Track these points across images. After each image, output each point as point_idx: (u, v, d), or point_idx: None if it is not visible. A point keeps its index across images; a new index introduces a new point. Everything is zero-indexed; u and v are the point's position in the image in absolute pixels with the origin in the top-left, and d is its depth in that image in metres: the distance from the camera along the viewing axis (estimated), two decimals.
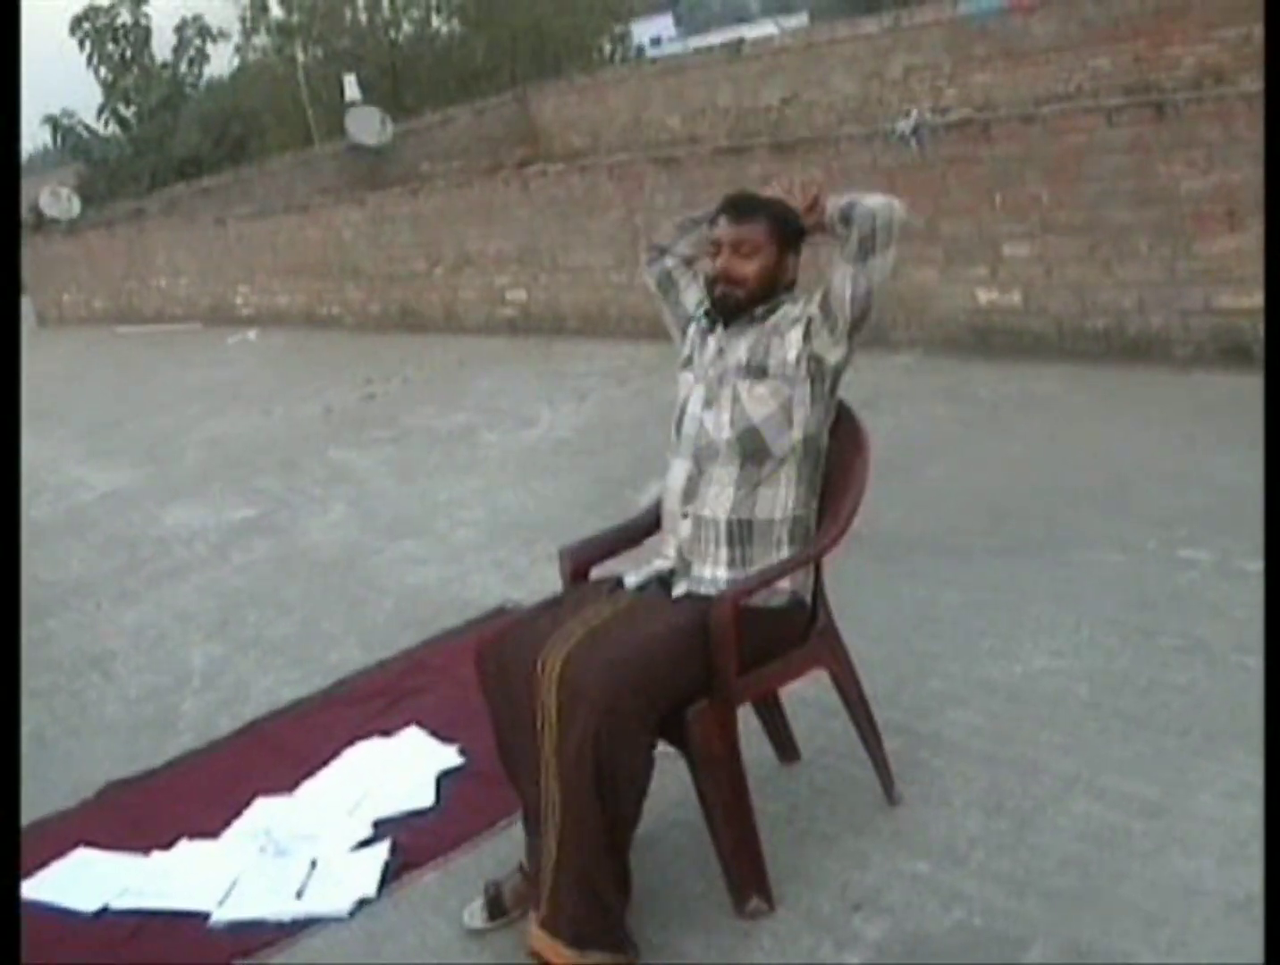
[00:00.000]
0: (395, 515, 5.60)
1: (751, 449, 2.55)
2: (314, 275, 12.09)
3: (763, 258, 2.61)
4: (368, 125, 16.25)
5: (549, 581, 4.03)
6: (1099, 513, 4.14)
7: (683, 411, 2.69)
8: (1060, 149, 5.96)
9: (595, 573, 2.79)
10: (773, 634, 2.52)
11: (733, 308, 2.64)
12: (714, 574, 2.56)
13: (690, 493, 2.60)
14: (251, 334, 12.31)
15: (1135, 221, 5.72)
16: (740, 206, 2.66)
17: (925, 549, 4.11)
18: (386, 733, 3.47)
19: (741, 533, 2.54)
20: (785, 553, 2.56)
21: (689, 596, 2.53)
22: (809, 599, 2.63)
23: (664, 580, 2.62)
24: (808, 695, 2.98)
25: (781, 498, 2.56)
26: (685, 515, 2.59)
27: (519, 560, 4.71)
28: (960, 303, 6.54)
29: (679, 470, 2.64)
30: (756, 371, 2.59)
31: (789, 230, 2.64)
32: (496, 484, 5.80)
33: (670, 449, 2.71)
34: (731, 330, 2.67)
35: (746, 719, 2.65)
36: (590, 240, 8.97)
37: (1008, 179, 6.20)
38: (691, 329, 2.80)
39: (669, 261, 2.87)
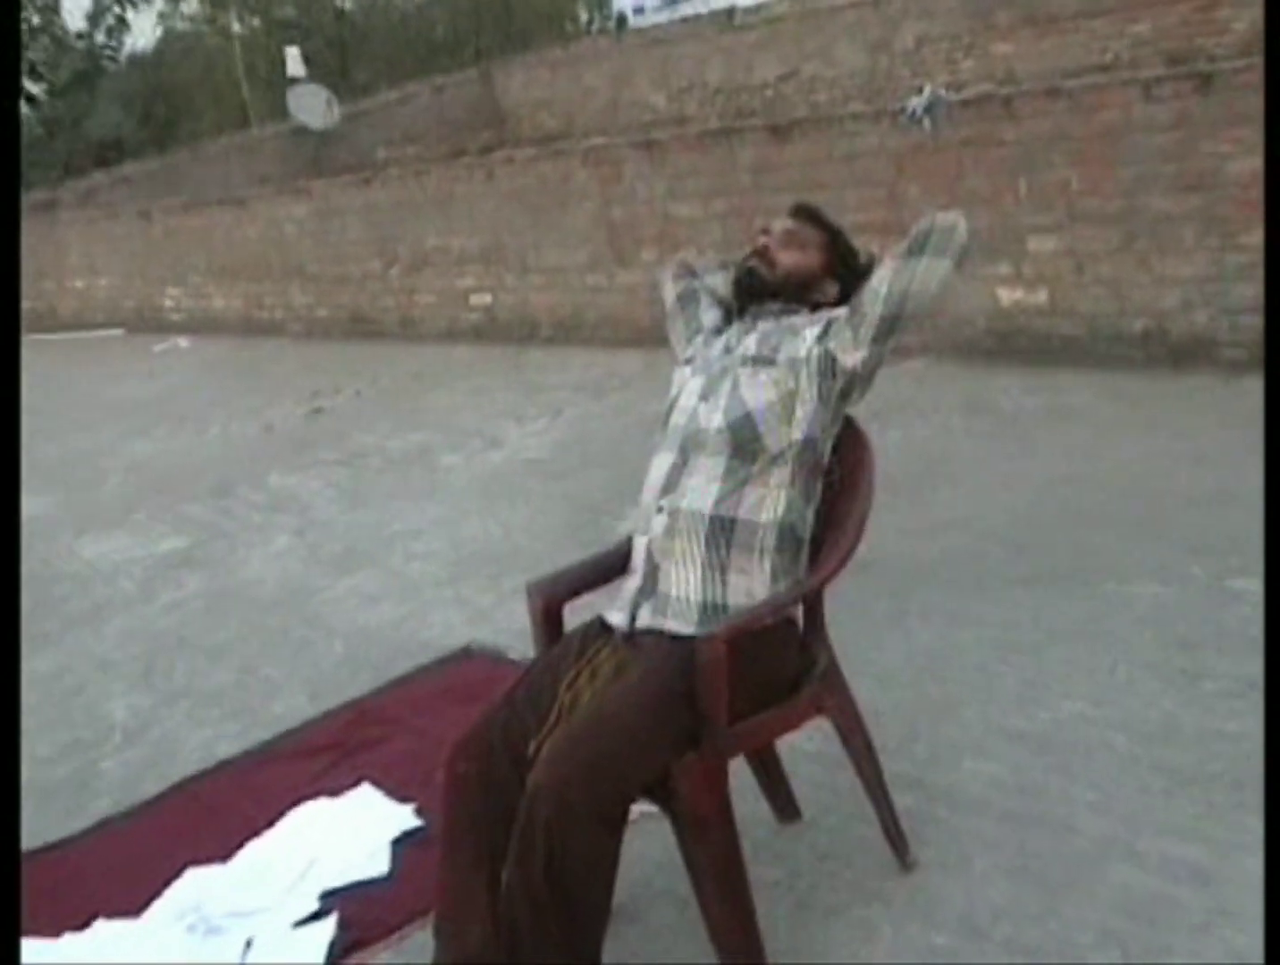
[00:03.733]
0: (344, 547, 5.61)
1: (743, 439, 2.57)
2: (252, 276, 12.12)
3: (806, 257, 2.79)
4: (312, 105, 16.30)
5: (517, 619, 4.04)
6: (1136, 538, 4.17)
7: (673, 405, 2.74)
8: (1092, 128, 6.02)
9: (569, 609, 2.79)
10: (765, 663, 2.52)
11: (755, 288, 2.77)
12: (684, 585, 2.53)
13: (670, 484, 2.61)
14: (182, 342, 12.32)
15: (1177, 209, 5.78)
16: (806, 211, 2.89)
17: (939, 580, 4.13)
18: (335, 792, 3.46)
19: (722, 531, 2.54)
20: (768, 564, 2.55)
21: (662, 635, 2.52)
22: (799, 620, 2.65)
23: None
24: (808, 747, 2.99)
25: (771, 501, 2.57)
26: (661, 509, 2.61)
27: (483, 597, 4.71)
28: (979, 303, 6.58)
29: (661, 463, 2.67)
30: (762, 361, 2.65)
31: (844, 258, 2.84)
32: (458, 511, 5.81)
33: (655, 447, 2.74)
34: (744, 324, 2.77)
35: (738, 773, 2.66)
36: (564, 236, 9.02)
37: (1033, 163, 6.26)
38: (700, 337, 2.91)
39: (697, 284, 3.04)
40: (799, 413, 2.59)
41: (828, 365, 2.61)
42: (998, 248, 6.46)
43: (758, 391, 2.60)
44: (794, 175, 7.42)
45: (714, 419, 2.61)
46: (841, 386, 2.62)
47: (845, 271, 2.83)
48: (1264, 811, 2.05)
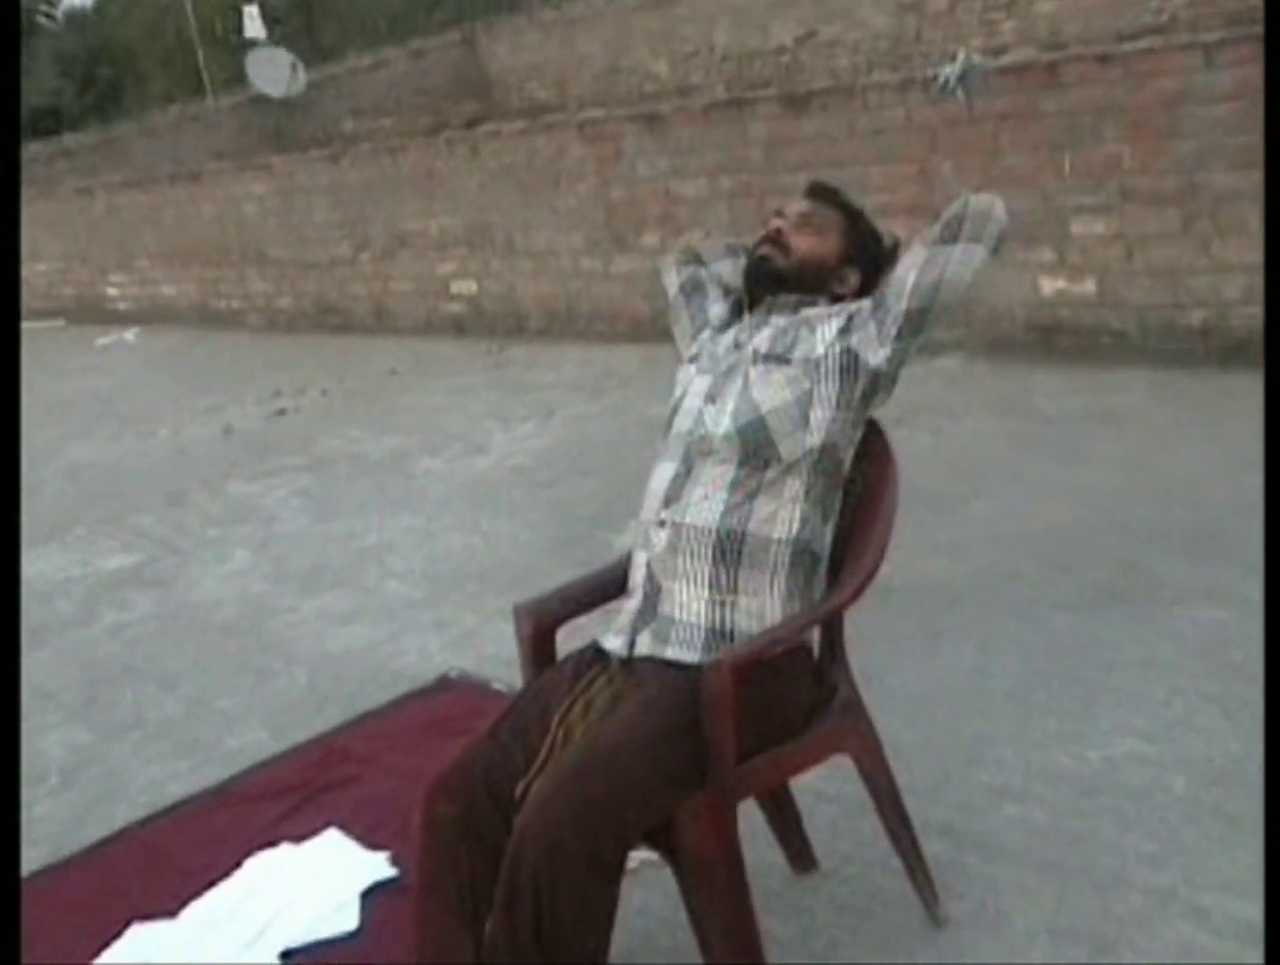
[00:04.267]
0: (311, 563, 5.62)
1: (754, 446, 2.57)
2: (207, 261, 12.15)
3: (823, 242, 2.79)
4: (274, 71, 16.34)
5: (503, 645, 4.05)
6: (1193, 557, 4.18)
7: (676, 408, 2.75)
8: (1146, 97, 6.04)
9: (561, 634, 2.80)
10: (778, 694, 2.52)
11: (767, 277, 2.77)
12: (689, 607, 2.54)
13: (673, 495, 2.62)
14: (129, 334, 12.34)
15: (1241, 187, 5.79)
16: (824, 190, 2.90)
17: (973, 602, 4.15)
18: (299, 838, 3.47)
19: (731, 547, 2.55)
20: (781, 585, 2.56)
21: (663, 663, 2.53)
22: (815, 647, 2.66)
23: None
24: (826, 788, 3.00)
25: (784, 514, 2.57)
26: (663, 523, 2.61)
27: (466, 619, 4.73)
28: (1018, 294, 6.60)
29: (664, 472, 2.68)
30: (775, 359, 2.65)
31: (867, 244, 2.84)
32: (438, 523, 5.83)
33: (657, 455, 2.75)
34: (756, 317, 2.78)
35: (749, 816, 2.66)
36: (556, 218, 9.05)
37: (1079, 136, 6.28)
38: (706, 332, 2.91)
39: (704, 272, 3.04)
40: (816, 416, 2.59)
41: (849, 363, 2.61)
42: (1039, 232, 6.48)
43: (770, 393, 2.60)
44: (811, 151, 7.44)
45: (722, 423, 2.61)
46: (864, 387, 2.63)
47: (868, 259, 2.84)
48: (1264, 810, 2.05)
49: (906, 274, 2.60)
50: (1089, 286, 6.42)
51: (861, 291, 2.79)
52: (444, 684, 4.25)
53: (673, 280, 3.07)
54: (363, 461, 7.01)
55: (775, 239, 2.80)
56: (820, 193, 2.90)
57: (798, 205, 2.86)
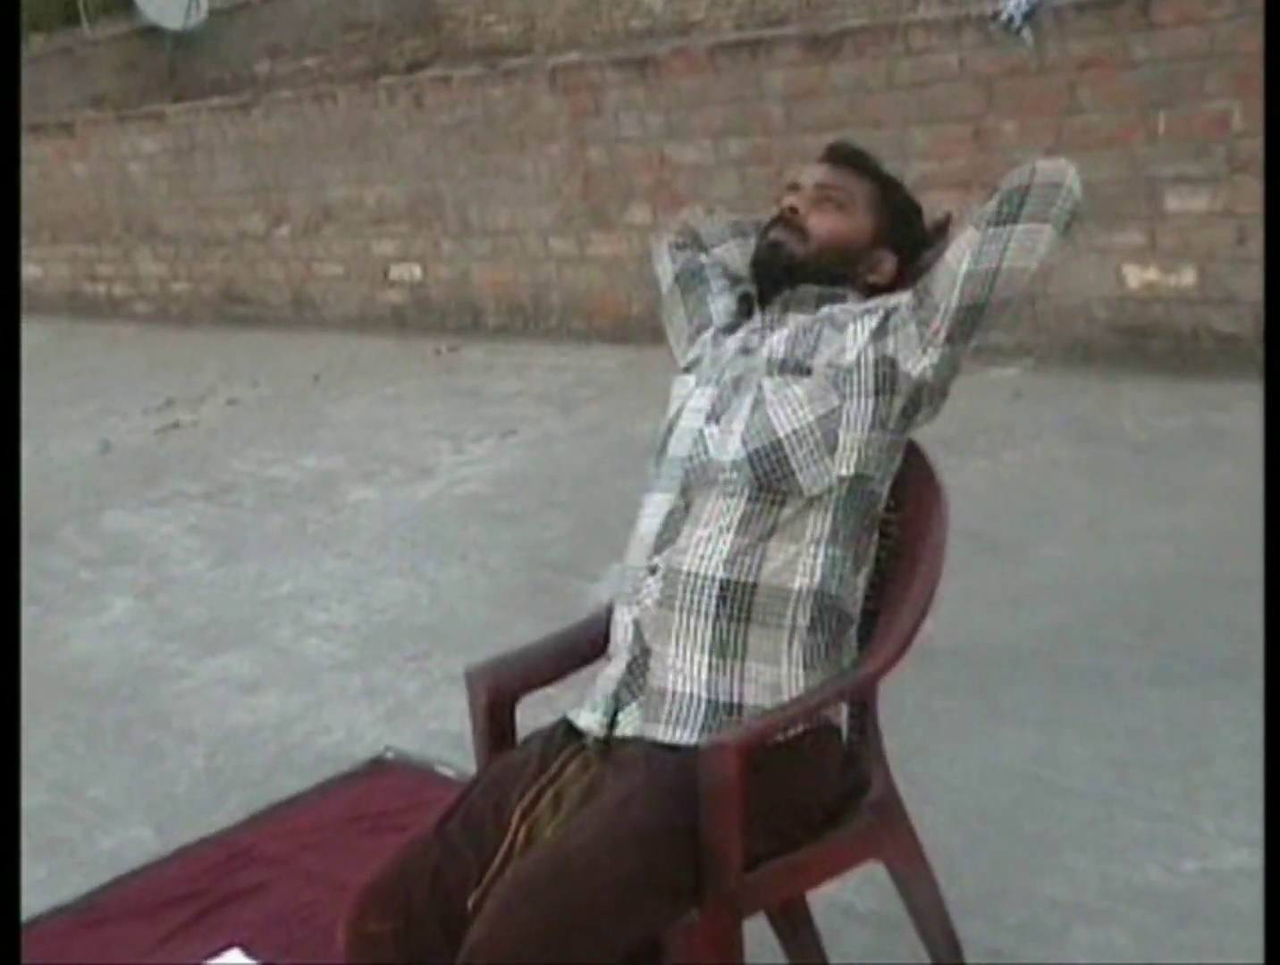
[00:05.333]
0: (210, 615, 5.62)
1: (768, 476, 2.57)
2: (82, 235, 12.16)
3: (848, 220, 2.80)
4: None
5: (451, 719, 4.06)
6: None
7: (671, 427, 2.75)
8: (1261, 42, 6.07)
9: (524, 706, 2.81)
10: (796, 785, 2.52)
11: (779, 267, 2.78)
12: (686, 676, 2.54)
13: (667, 536, 2.62)
14: None
15: None
16: (848, 153, 2.90)
17: (1038, 671, 4.16)
18: (193, 962, 3.46)
19: (739, 602, 2.55)
20: (800, 648, 2.57)
21: (653, 745, 2.53)
22: (842, 725, 2.67)
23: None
24: (855, 903, 3.01)
25: (805, 560, 2.58)
26: (654, 570, 2.61)
27: (405, 686, 4.74)
28: (1097, 287, 6.63)
29: (656, 507, 2.68)
30: (795, 368, 2.66)
31: (904, 222, 2.86)
32: (371, 567, 5.84)
33: (647, 485, 2.75)
34: (769, 316, 2.78)
35: (757, 935, 2.67)
36: (521, 187, 9.07)
37: (1177, 90, 6.31)
38: (708, 333, 2.92)
39: (705, 258, 3.06)
40: (845, 440, 2.60)
41: (885, 373, 2.62)
42: (1125, 208, 6.51)
43: (788, 410, 2.61)
44: (840, 106, 7.46)
45: (728, 448, 2.62)
46: (904, 403, 2.64)
47: (907, 241, 2.85)
48: (1264, 810, 2.05)
49: (957, 261, 2.60)
50: (1187, 277, 6.44)
51: (899, 282, 2.80)
52: (377, 767, 4.26)
53: (667, 268, 3.08)
54: (277, 489, 7.02)
55: (789, 219, 2.80)
56: (844, 157, 2.90)
57: (816, 174, 2.86)
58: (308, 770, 4.29)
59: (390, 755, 4.30)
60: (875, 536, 2.69)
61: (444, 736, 4.20)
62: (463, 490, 6.58)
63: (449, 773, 3.98)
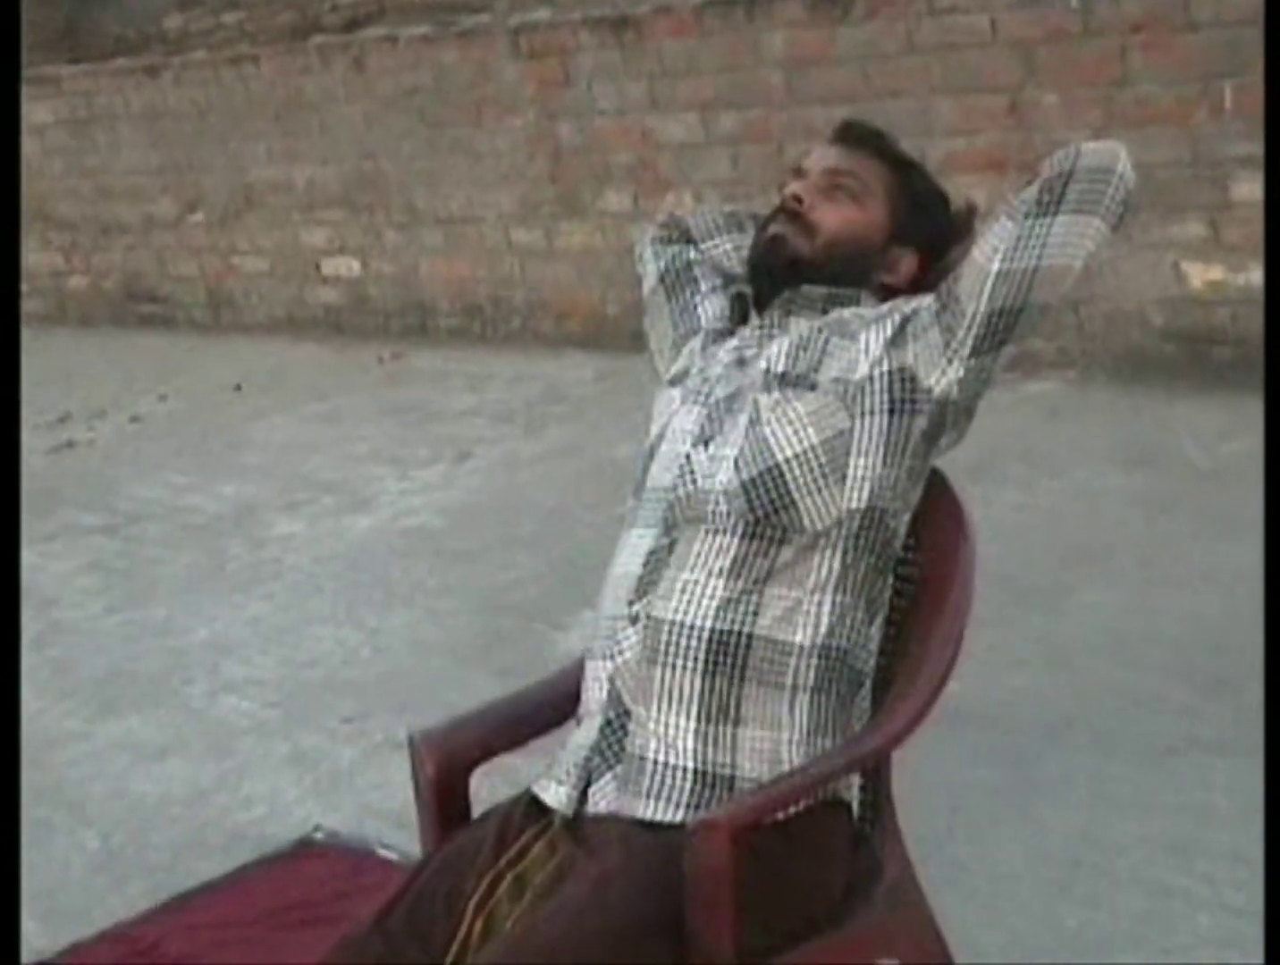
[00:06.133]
0: (109, 668, 5.61)
1: (766, 509, 2.57)
2: None
3: (861, 212, 2.80)
4: None
5: (394, 792, 4.07)
6: None
7: (653, 451, 2.76)
8: None
9: (479, 776, 2.82)
10: (797, 870, 2.53)
11: (781, 266, 2.79)
12: (669, 743, 2.54)
13: (649, 579, 2.62)
14: None
15: None
16: (862, 133, 2.91)
17: (1083, 738, 4.17)
18: None
19: (732, 656, 2.55)
20: (803, 710, 2.57)
21: (631, 824, 2.53)
22: (852, 801, 2.67)
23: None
24: None
25: (809, 608, 2.58)
26: (634, 618, 2.62)
27: (339, 753, 4.74)
28: (1150, 287, 6.67)
29: (636, 545, 2.68)
30: (797, 382, 2.66)
31: (924, 212, 2.86)
32: (299, 613, 5.84)
33: (626, 520, 2.76)
34: (767, 321, 2.79)
35: None
36: (478, 167, 9.09)
37: (1244, 59, 6.34)
38: (696, 341, 2.93)
39: (694, 254, 3.07)
40: (856, 467, 2.60)
41: (903, 389, 2.62)
42: (1185, 196, 6.54)
43: (790, 432, 2.61)
44: (852, 75, 7.48)
45: (719, 475, 2.62)
46: (926, 424, 2.64)
47: (929, 235, 2.86)
48: (1264, 810, 2.07)
49: (987, 258, 2.59)
50: (1256, 276, 6.46)
51: (920, 283, 2.81)
52: (305, 848, 4.25)
53: (651, 266, 3.09)
54: (189, 520, 7.02)
55: (792, 210, 2.80)
56: (857, 137, 2.91)
57: (824, 158, 2.86)
58: (222, 852, 4.28)
59: (320, 835, 4.29)
60: (891, 581, 2.71)
61: (384, 813, 4.21)
62: (408, 523, 6.58)
63: (390, 855, 3.98)
